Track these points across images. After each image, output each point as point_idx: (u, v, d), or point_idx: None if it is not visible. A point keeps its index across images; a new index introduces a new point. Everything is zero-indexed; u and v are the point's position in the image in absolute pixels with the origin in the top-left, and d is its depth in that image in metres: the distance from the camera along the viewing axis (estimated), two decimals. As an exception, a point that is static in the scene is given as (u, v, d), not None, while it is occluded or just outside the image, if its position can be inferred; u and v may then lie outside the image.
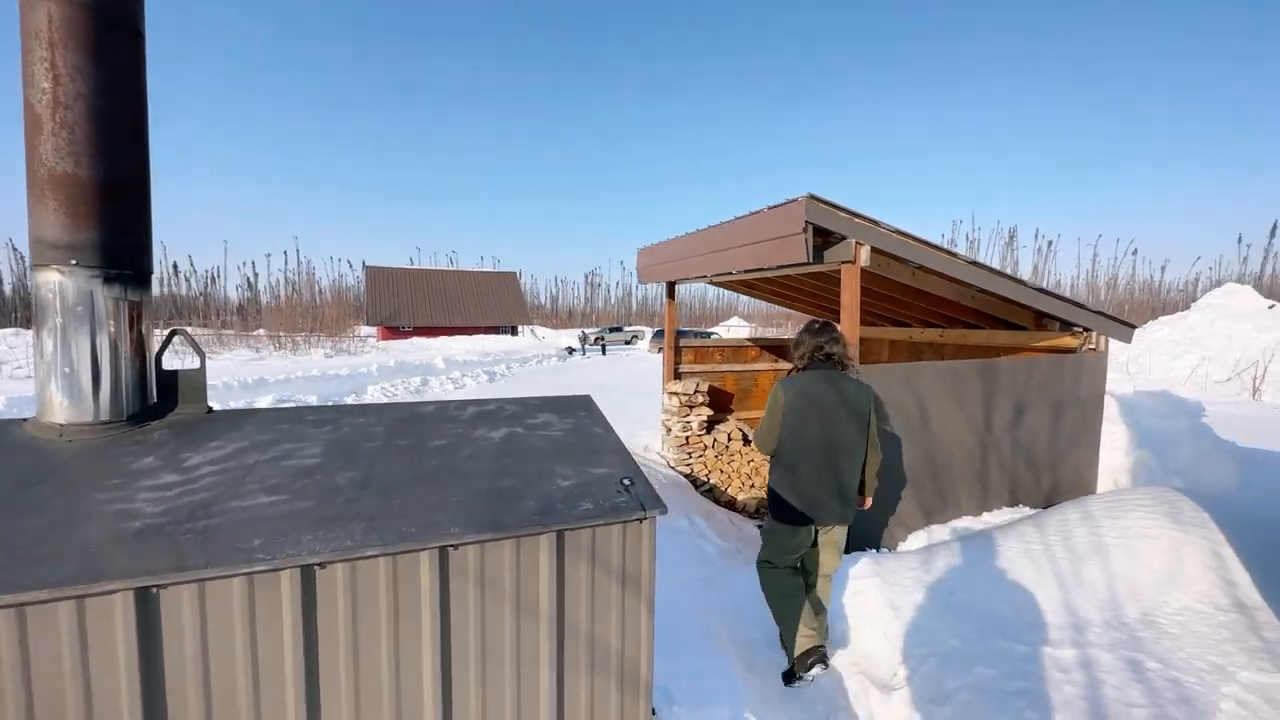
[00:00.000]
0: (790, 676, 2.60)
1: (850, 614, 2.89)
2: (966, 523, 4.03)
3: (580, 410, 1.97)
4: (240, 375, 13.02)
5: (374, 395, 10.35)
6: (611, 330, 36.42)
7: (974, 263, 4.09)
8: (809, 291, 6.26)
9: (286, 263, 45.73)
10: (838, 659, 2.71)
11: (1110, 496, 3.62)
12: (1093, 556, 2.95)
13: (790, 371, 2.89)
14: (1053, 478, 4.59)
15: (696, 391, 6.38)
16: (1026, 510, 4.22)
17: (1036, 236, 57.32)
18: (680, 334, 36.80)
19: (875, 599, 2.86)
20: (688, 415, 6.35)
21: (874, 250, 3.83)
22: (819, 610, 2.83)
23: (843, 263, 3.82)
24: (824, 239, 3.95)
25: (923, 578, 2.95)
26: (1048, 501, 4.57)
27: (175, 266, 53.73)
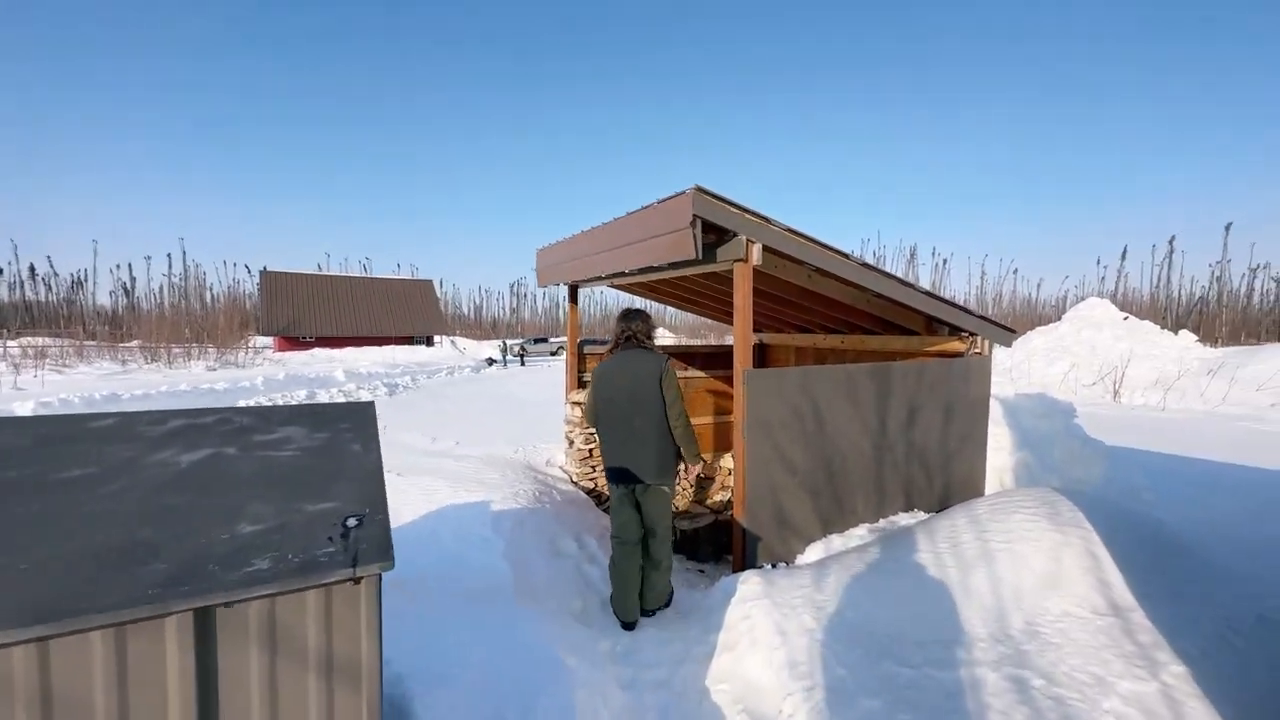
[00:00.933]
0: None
1: (738, 641, 2.62)
2: (863, 531, 3.91)
3: (343, 421, 1.55)
4: (90, 391, 11.28)
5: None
6: (537, 341, 35.55)
7: (866, 265, 4.04)
8: (710, 295, 6.11)
9: (170, 266, 40.80)
10: (721, 694, 2.42)
11: (996, 498, 3.60)
12: (979, 563, 2.85)
13: (604, 355, 3.44)
14: (945, 479, 4.63)
15: (600, 401, 6.04)
16: (921, 515, 4.18)
17: (934, 254, 62.31)
18: (592, 343, 36.47)
19: (763, 623, 2.60)
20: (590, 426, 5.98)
21: (767, 249, 3.67)
22: (655, 577, 3.34)
23: (735, 261, 3.62)
24: (716, 236, 3.75)
25: (814, 596, 2.74)
26: (941, 504, 4.59)
27: (32, 269, 46.94)
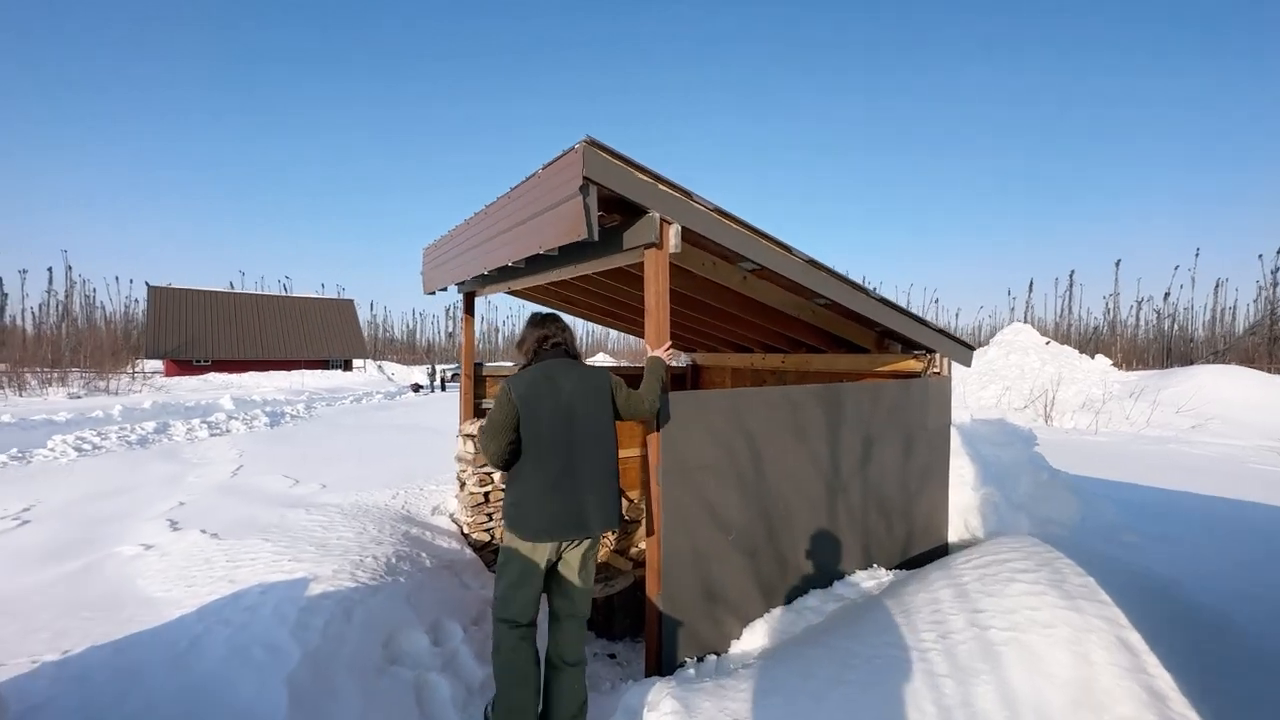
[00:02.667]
0: None
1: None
2: (816, 600, 3.03)
3: None
4: None
5: (54, 447, 7.36)
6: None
7: (812, 262, 3.25)
8: (630, 305, 5.20)
9: (51, 281, 35.70)
10: None
11: (977, 557, 2.81)
12: (981, 666, 2.00)
13: (518, 369, 2.64)
14: (906, 525, 3.86)
15: (499, 433, 4.96)
16: (882, 572, 3.36)
17: (864, 280, 65.02)
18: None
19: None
20: (485, 464, 4.88)
21: (690, 236, 2.81)
22: (571, 682, 2.35)
23: (645, 247, 2.73)
24: (623, 218, 2.86)
25: (752, 734, 1.78)
26: (903, 554, 3.81)
27: None
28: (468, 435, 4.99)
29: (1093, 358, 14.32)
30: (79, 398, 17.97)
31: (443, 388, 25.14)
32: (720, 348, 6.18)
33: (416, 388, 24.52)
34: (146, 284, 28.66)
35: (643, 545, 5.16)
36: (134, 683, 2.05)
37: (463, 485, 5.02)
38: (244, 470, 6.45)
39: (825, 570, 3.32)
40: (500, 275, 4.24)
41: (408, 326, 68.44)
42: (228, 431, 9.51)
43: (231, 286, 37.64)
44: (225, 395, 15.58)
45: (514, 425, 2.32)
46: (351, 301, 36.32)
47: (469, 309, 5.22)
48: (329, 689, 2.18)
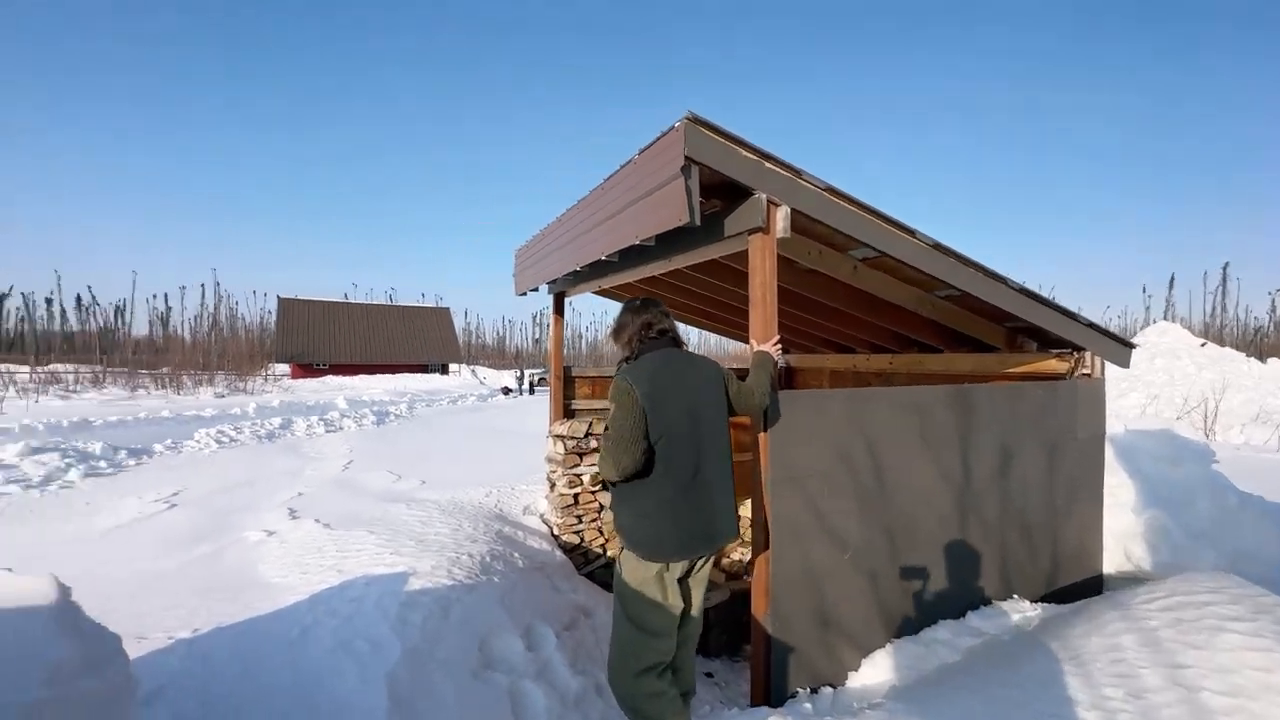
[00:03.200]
0: None
1: None
2: (948, 633, 2.63)
3: None
4: (63, 415, 10.59)
5: (199, 439, 8.27)
6: (553, 370, 34.71)
7: (939, 246, 2.86)
8: (725, 303, 4.95)
9: (204, 297, 41.46)
10: None
11: (1164, 597, 2.30)
12: (1197, 740, 1.57)
13: (624, 360, 2.34)
14: (1052, 550, 3.32)
15: (590, 434, 4.89)
16: (1026, 605, 2.88)
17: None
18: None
19: None
20: (577, 465, 4.83)
21: (798, 218, 2.54)
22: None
23: (750, 232, 2.50)
24: (724, 202, 2.65)
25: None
26: (1049, 584, 3.28)
27: (79, 299, 48.32)
28: (558, 436, 4.96)
29: (1263, 361, 12.15)
30: (223, 396, 20.37)
31: (530, 391, 26.00)
32: (818, 347, 5.77)
33: (506, 391, 25.56)
34: (278, 296, 32.18)
35: (736, 556, 4.88)
36: (249, 668, 2.09)
37: (553, 486, 5.01)
38: (353, 465, 6.88)
39: (956, 599, 2.90)
40: (591, 272, 4.16)
41: (498, 333, 72.01)
42: (340, 429, 10.31)
43: (346, 297, 41.43)
44: (340, 396, 16.99)
45: (645, 430, 1.99)
46: (448, 309, 38.71)
47: (559, 309, 5.21)
48: (426, 688, 2.13)
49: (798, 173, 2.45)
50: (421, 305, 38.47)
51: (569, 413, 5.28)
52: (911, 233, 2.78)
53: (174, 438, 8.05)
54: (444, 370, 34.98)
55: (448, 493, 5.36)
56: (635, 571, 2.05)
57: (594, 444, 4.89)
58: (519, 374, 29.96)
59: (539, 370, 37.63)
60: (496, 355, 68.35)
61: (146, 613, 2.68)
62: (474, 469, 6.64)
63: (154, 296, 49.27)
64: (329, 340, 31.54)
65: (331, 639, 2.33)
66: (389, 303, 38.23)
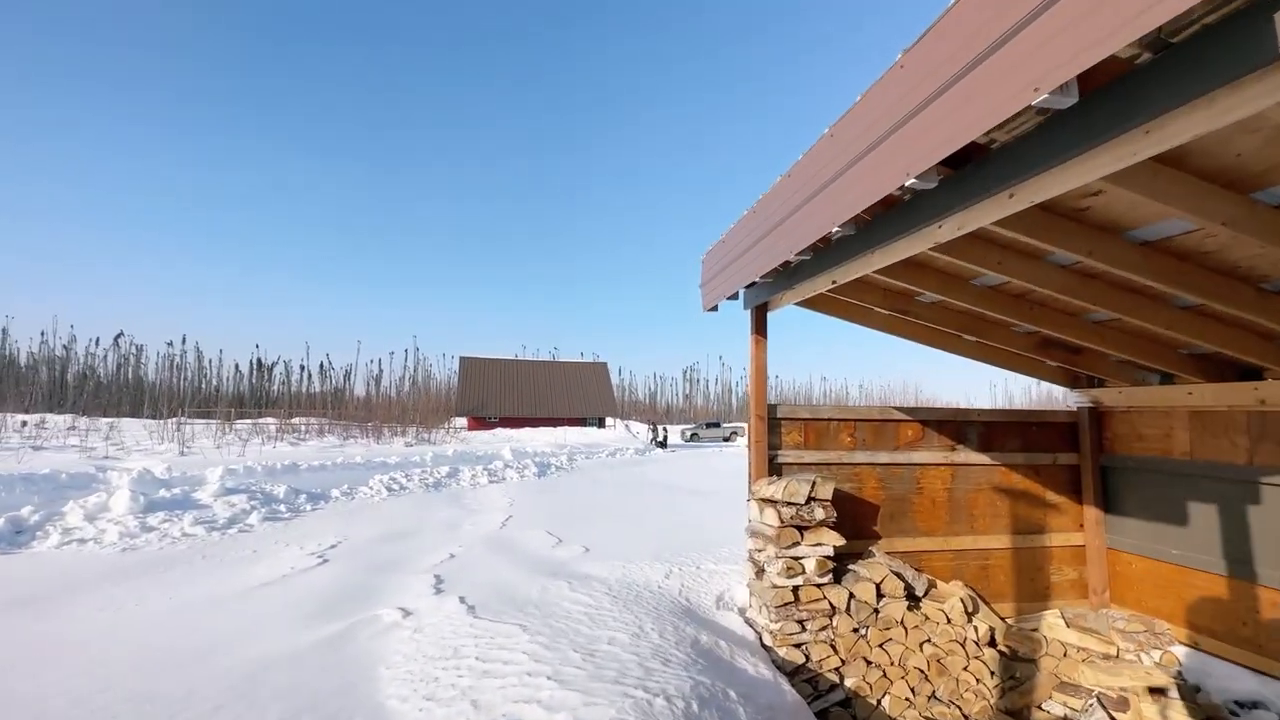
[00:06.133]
0: None
1: None
2: None
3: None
4: (283, 458, 11.79)
5: (373, 485, 8.24)
6: (709, 425, 33.31)
7: None
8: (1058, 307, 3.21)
9: (406, 360, 48.65)
10: None
11: None
12: None
13: None
14: None
15: (812, 500, 3.40)
16: None
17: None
18: (707, 426, 32.25)
19: None
20: (795, 544, 3.34)
21: None
22: None
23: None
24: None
25: None
26: None
27: (321, 366, 59.60)
28: (766, 501, 3.55)
29: None
30: (411, 445, 22.35)
31: (663, 445, 24.64)
32: (1161, 367, 3.67)
33: (662, 444, 24.69)
34: (459, 357, 35.81)
35: (1047, 700, 2.93)
36: None
37: (760, 572, 3.56)
38: (512, 521, 6.12)
39: None
40: (810, 268, 2.84)
41: (649, 389, 73.12)
42: (503, 479, 9.96)
43: (516, 356, 45.04)
44: (506, 447, 17.39)
45: None
46: (605, 364, 39.88)
47: (759, 326, 3.91)
48: None
49: None
50: (580, 361, 40.15)
51: (775, 468, 3.86)
52: None
53: (352, 483, 8.18)
54: (600, 424, 35.56)
55: (617, 567, 4.17)
56: None
57: (821, 514, 3.38)
58: (651, 426, 28.90)
59: (691, 425, 36.65)
60: (649, 410, 69.07)
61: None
62: (644, 535, 5.44)
63: (371, 361, 58.61)
64: (500, 395, 33.94)
65: None
66: (552, 359, 40.56)
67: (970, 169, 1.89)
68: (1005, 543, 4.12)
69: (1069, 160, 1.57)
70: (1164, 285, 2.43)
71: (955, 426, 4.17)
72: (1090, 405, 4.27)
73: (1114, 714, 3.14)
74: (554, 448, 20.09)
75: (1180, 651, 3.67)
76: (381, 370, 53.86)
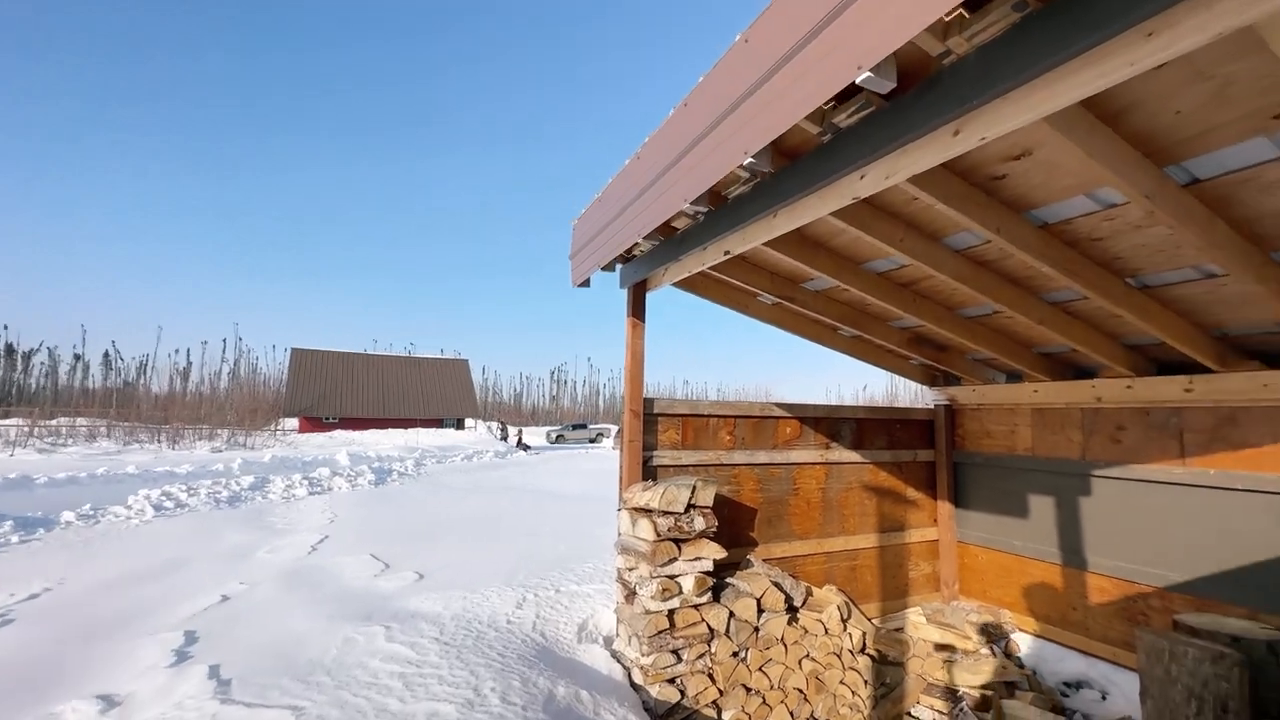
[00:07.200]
0: None
1: None
2: None
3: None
4: (4, 471, 8.88)
5: (133, 504, 6.37)
6: (575, 427, 32.63)
7: None
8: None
9: (224, 350, 40.95)
10: None
11: None
12: None
13: None
14: None
15: (693, 507, 2.93)
16: None
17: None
18: (573, 428, 32.34)
19: None
20: (672, 560, 2.85)
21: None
22: None
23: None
24: None
25: None
26: None
27: (106, 355, 48.07)
28: (639, 510, 3.01)
29: None
30: (220, 451, 18.72)
31: (525, 447, 23.61)
32: (1015, 365, 3.81)
33: (526, 448, 23.53)
34: (289, 348, 31.13)
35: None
36: None
37: (631, 595, 3.01)
38: (327, 544, 4.94)
39: None
40: (701, 234, 2.39)
41: (515, 390, 70.41)
42: (329, 489, 8.38)
43: (366, 350, 40.35)
44: (343, 451, 15.19)
45: None
46: (466, 362, 37.32)
47: (636, 308, 3.38)
48: None
49: None
50: (439, 358, 37.16)
51: (649, 472, 3.35)
52: None
53: (101, 502, 6.19)
54: (459, 425, 33.18)
55: (456, 598, 3.37)
56: None
57: (701, 524, 2.92)
58: (501, 426, 27.84)
59: (556, 427, 35.53)
60: (514, 412, 66.69)
61: None
62: (496, 552, 4.65)
63: (175, 352, 48.95)
64: (341, 393, 30.07)
65: None
66: (406, 354, 36.98)
67: (910, 97, 1.51)
68: (873, 541, 4.05)
69: (1020, 86, 1.25)
70: (1053, 271, 2.32)
71: (831, 424, 4.01)
72: (946, 403, 4.39)
73: (979, 715, 3.10)
74: (403, 451, 18.06)
75: (1020, 639, 3.83)
76: (190, 363, 45.25)
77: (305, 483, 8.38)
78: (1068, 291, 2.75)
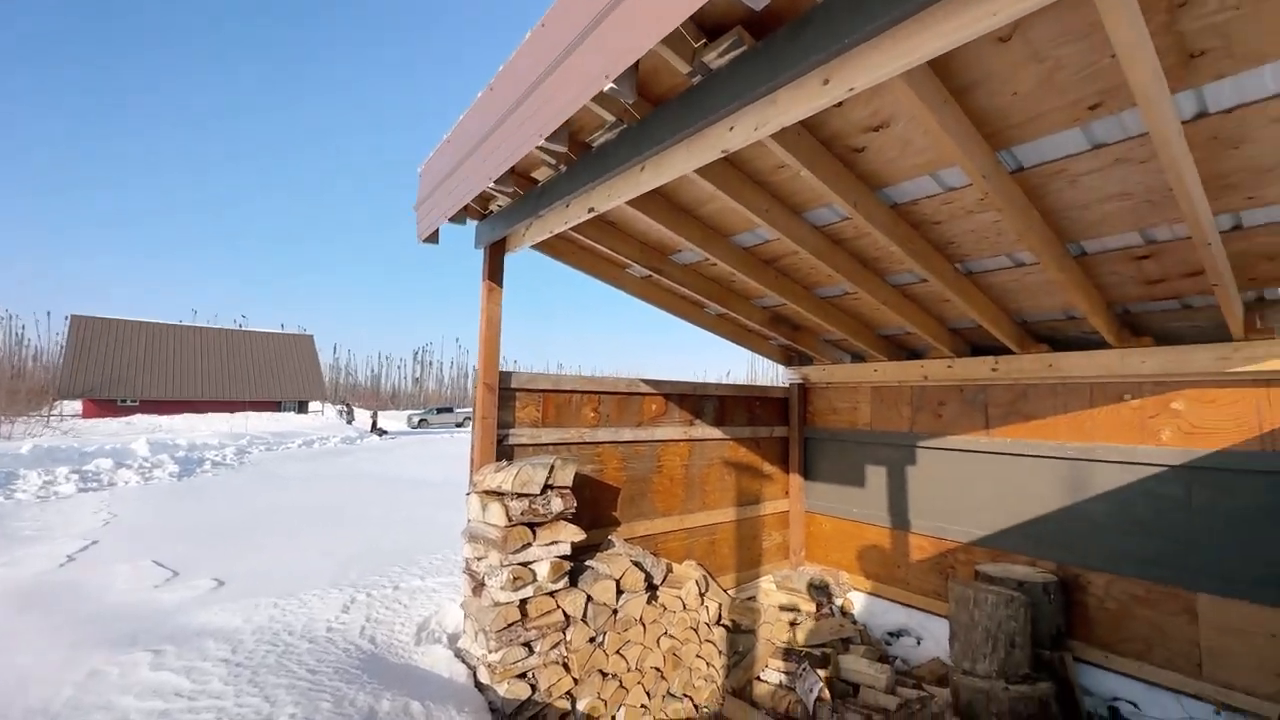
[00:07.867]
0: None
1: None
2: None
3: None
4: None
5: None
6: (440, 410, 30.56)
7: None
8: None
9: None
10: None
11: None
12: None
13: None
14: None
15: (550, 488, 2.71)
16: None
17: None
18: (438, 411, 31.05)
19: None
20: (526, 546, 2.61)
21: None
22: None
23: None
24: None
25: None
26: None
27: None
28: (489, 494, 2.72)
29: None
30: (-43, 443, 14.65)
31: (381, 432, 21.72)
32: (860, 346, 4.09)
33: (381, 432, 21.56)
34: (68, 316, 25.22)
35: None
36: None
37: (479, 587, 2.72)
38: (97, 549, 3.95)
39: None
40: (563, 185, 2.17)
41: (372, 370, 64.43)
42: (110, 485, 6.82)
43: (180, 322, 34.00)
44: (141, 439, 12.63)
45: None
46: (310, 337, 33.18)
47: (493, 271, 3.05)
48: None
49: None
50: (276, 332, 32.58)
51: (505, 451, 3.06)
52: None
53: None
54: (302, 409, 29.50)
55: (264, 606, 2.82)
56: None
57: (559, 505, 2.71)
58: (346, 408, 25.82)
59: (419, 411, 33.05)
60: (371, 395, 61.23)
61: None
62: (326, 548, 4.05)
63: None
64: (144, 371, 25.08)
65: None
66: (235, 328, 31.82)
67: (783, 36, 1.40)
68: (731, 515, 4.15)
69: (890, 28, 1.20)
70: (900, 251, 2.43)
71: (695, 401, 4.01)
72: (800, 381, 4.63)
73: (818, 671, 3.30)
74: (224, 438, 15.54)
75: (855, 597, 4.19)
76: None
77: (74, 477, 6.69)
78: (908, 274, 2.95)
